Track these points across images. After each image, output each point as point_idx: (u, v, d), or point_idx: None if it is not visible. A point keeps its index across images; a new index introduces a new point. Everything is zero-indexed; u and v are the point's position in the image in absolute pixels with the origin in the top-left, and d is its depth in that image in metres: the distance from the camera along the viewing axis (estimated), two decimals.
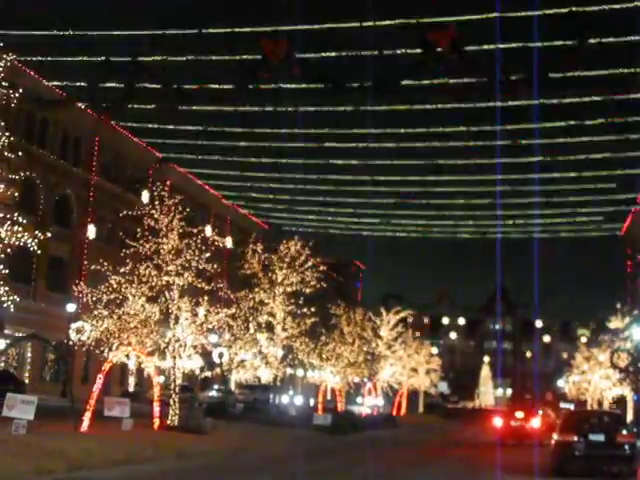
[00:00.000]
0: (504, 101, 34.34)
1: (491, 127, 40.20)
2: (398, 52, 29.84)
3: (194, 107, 38.08)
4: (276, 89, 33.73)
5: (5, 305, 29.14)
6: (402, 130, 41.18)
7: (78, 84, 36.52)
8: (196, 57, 32.34)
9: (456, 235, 65.71)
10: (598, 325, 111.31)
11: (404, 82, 30.56)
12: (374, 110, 37.14)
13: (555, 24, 32.10)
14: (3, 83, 27.86)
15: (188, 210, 35.01)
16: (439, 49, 28.03)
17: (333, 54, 31.30)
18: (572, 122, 37.53)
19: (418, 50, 28.87)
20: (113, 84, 32.95)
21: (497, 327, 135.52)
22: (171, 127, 44.70)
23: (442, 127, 40.75)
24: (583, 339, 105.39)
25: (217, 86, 33.62)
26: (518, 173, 48.74)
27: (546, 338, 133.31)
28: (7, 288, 28.45)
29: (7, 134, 28.34)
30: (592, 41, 28.85)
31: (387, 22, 30.53)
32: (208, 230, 36.02)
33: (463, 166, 47.21)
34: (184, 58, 32.32)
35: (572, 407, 77.48)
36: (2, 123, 28.38)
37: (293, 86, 32.75)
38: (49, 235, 31.59)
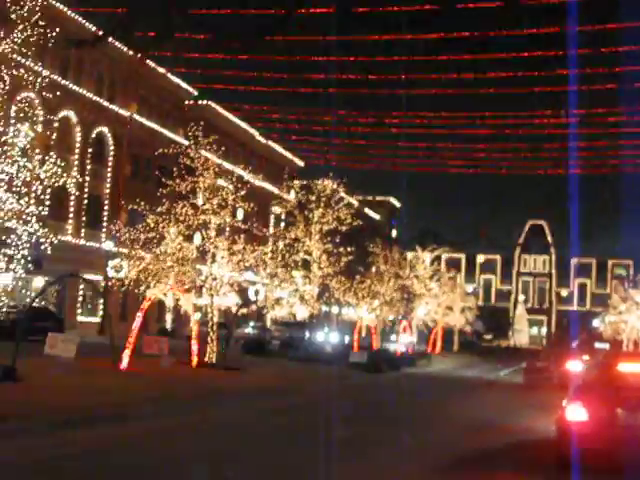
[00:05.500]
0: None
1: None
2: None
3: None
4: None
5: (44, 246, 29.36)
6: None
7: (114, 21, 36.30)
8: None
9: (499, 170, 64.98)
10: (636, 265, 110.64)
11: None
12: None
13: None
14: (40, 22, 27.64)
15: (223, 148, 34.89)
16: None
17: None
18: None
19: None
20: (148, 21, 32.75)
21: (533, 265, 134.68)
22: (207, 62, 44.40)
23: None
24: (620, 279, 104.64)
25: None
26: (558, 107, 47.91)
27: (582, 277, 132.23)
28: (46, 229, 28.61)
29: (44, 74, 28.24)
30: None
31: None
32: (244, 171, 35.90)
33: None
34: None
35: (607, 347, 77.22)
36: (40, 63, 28.27)
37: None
38: (87, 177, 31.59)
